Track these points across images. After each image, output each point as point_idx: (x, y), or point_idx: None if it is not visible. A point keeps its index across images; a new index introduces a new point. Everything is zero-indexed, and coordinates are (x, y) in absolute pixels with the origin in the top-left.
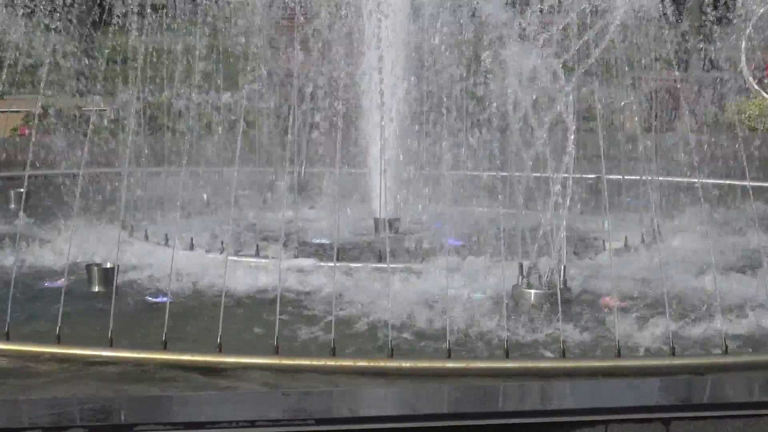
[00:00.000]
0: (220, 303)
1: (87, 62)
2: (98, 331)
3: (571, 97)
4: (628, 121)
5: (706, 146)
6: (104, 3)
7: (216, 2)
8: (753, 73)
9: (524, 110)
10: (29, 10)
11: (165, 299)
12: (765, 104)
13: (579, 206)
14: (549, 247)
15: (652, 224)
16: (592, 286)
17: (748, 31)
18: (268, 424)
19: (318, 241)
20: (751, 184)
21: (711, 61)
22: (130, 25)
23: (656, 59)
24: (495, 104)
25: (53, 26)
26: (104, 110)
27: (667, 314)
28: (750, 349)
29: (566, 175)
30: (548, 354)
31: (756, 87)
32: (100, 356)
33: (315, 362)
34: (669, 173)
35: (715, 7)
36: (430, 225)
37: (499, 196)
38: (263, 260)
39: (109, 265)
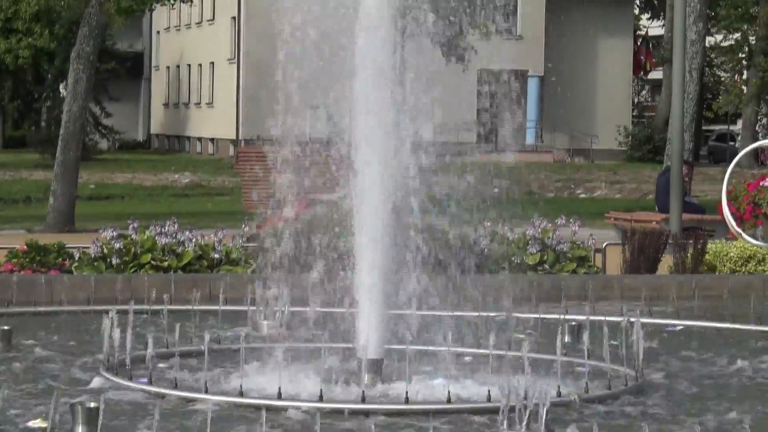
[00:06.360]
0: None
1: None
2: None
3: None
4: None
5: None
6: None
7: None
8: (734, 215)
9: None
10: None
11: None
12: (746, 247)
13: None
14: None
15: (636, 367)
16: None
17: (728, 173)
18: None
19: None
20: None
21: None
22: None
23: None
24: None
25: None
26: (87, 247)
27: None
28: None
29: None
30: None
31: (737, 230)
32: None
33: None
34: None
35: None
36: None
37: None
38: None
39: (93, 405)
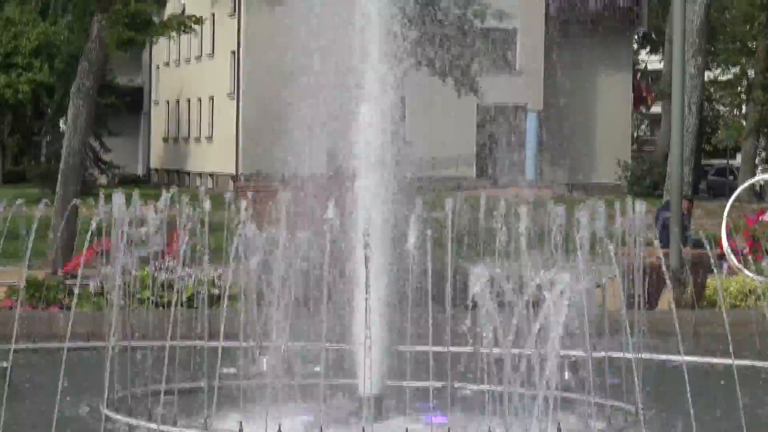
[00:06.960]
0: None
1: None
2: None
3: None
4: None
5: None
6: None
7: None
8: (734, 249)
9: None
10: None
11: None
12: (747, 282)
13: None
14: None
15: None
16: None
17: (728, 208)
18: None
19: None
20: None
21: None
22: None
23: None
24: None
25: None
26: (87, 283)
27: None
28: None
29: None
30: None
31: (738, 265)
32: None
33: None
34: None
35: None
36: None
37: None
38: None
39: None
